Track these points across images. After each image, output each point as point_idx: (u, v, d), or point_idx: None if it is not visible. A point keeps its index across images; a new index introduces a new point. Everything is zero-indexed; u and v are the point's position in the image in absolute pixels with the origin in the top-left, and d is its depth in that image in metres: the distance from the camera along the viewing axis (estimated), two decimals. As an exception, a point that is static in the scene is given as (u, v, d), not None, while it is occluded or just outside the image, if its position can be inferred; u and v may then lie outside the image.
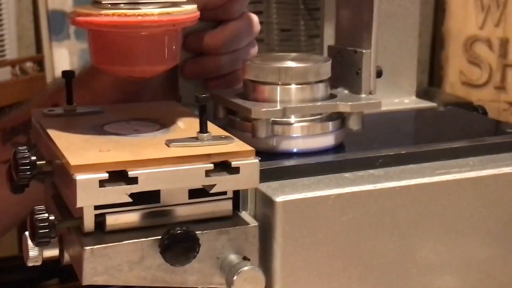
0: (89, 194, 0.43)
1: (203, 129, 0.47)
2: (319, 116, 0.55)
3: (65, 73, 0.56)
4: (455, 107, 0.72)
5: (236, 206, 0.49)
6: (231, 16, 0.63)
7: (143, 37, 0.50)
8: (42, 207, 0.45)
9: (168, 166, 0.45)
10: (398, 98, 0.72)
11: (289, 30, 1.30)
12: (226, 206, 0.48)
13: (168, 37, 0.51)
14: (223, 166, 0.46)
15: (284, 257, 0.48)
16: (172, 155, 0.45)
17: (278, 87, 0.54)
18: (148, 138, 0.49)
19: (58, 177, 0.49)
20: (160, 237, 0.44)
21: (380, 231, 0.50)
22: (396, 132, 0.66)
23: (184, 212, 0.47)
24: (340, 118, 0.56)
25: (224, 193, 0.48)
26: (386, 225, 0.50)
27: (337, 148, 0.56)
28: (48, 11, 1.96)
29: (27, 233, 0.47)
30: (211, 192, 0.46)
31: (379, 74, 0.59)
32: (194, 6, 0.51)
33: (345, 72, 0.59)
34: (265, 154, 0.51)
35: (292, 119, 0.54)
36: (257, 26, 0.66)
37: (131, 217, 0.46)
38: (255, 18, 0.66)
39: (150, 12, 0.48)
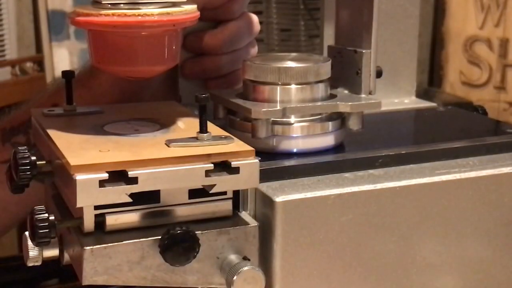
0: (89, 194, 0.43)
1: (203, 129, 0.47)
2: (319, 116, 0.55)
3: (65, 73, 0.56)
4: (455, 107, 0.72)
5: (236, 206, 0.49)
6: (231, 16, 0.63)
7: (143, 37, 0.50)
8: (42, 207, 0.45)
9: (168, 166, 0.45)
10: (398, 98, 0.72)
11: (289, 30, 1.30)
12: (226, 206, 0.48)
13: (168, 37, 0.51)
14: (223, 166, 0.46)
15: (284, 257, 0.48)
16: (172, 155, 0.45)
17: (278, 87, 0.54)
18: (148, 138, 0.49)
19: (58, 177, 0.49)
20: (160, 237, 0.44)
21: (380, 231, 0.50)
22: (396, 132, 0.66)
23: (184, 212, 0.47)
24: (340, 118, 0.56)
25: (224, 193, 0.48)
26: (386, 225, 0.50)
27: (337, 148, 0.56)
28: (48, 11, 1.96)
29: (27, 233, 0.47)
30: (211, 192, 0.46)
31: (379, 74, 0.59)
32: (194, 6, 0.51)
33: (345, 72, 0.58)
34: (265, 154, 0.51)
35: (292, 119, 0.54)
36: (257, 26, 0.66)
37: (131, 217, 0.46)
38: (255, 18, 0.66)
39: (150, 12, 0.48)
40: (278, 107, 0.53)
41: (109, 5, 0.48)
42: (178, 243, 0.44)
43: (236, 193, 0.48)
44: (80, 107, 0.56)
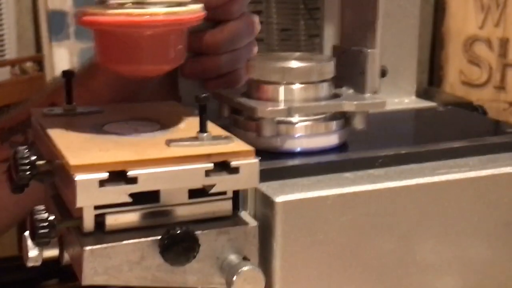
0: (89, 194, 0.43)
1: (203, 129, 0.47)
2: (322, 116, 0.55)
3: (65, 73, 0.56)
4: (455, 107, 0.72)
5: (236, 206, 0.49)
6: (230, 16, 0.63)
7: (150, 36, 0.50)
8: (42, 207, 0.45)
9: (168, 166, 0.44)
10: (398, 98, 0.72)
11: (289, 30, 1.30)
12: (226, 206, 0.48)
13: (174, 36, 0.51)
14: (223, 166, 0.46)
15: (284, 257, 0.48)
16: (172, 155, 0.45)
17: (282, 87, 0.54)
18: (148, 138, 0.49)
19: (58, 177, 0.49)
20: (160, 237, 0.44)
21: (380, 231, 0.50)
22: (396, 132, 0.66)
23: (184, 212, 0.47)
24: (344, 117, 0.56)
25: (224, 193, 0.48)
26: (386, 225, 0.50)
27: (341, 147, 0.56)
28: (48, 11, 1.96)
29: (27, 233, 0.47)
30: (210, 192, 0.46)
31: (383, 73, 0.59)
32: (200, 6, 0.51)
33: (349, 72, 0.58)
34: (269, 153, 0.51)
35: (296, 118, 0.54)
36: (257, 26, 0.66)
37: (131, 217, 0.46)
38: (255, 18, 0.66)
39: (157, 11, 0.48)
40: (284, 106, 0.53)
41: (116, 5, 0.48)
42: (178, 243, 0.44)
43: (236, 193, 0.48)
44: (80, 107, 0.56)
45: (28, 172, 0.48)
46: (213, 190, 0.46)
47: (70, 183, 0.43)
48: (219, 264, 0.47)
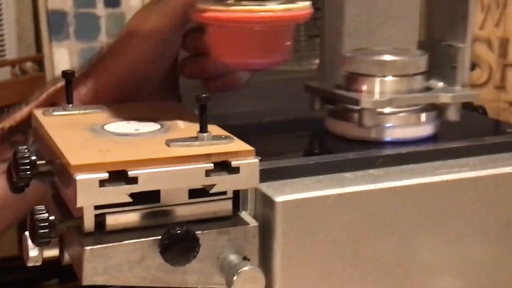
0: (89, 194, 0.43)
1: (203, 128, 0.48)
2: (417, 107, 0.58)
3: (65, 73, 0.56)
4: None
5: (236, 206, 0.49)
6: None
7: (266, 31, 0.53)
8: (42, 207, 0.45)
9: (168, 166, 0.45)
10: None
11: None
12: (226, 206, 0.48)
13: (287, 31, 0.54)
14: (223, 165, 0.46)
15: (284, 257, 0.48)
16: (172, 155, 0.45)
17: (379, 79, 0.57)
18: (148, 138, 0.49)
19: (58, 177, 0.49)
20: (160, 237, 0.44)
21: (380, 231, 0.50)
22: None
23: (184, 212, 0.47)
24: (436, 109, 0.58)
25: (224, 193, 0.48)
26: (386, 225, 0.50)
27: (434, 137, 0.59)
28: (48, 11, 1.96)
29: (27, 233, 0.47)
30: (211, 192, 0.46)
31: (472, 66, 0.62)
32: (308, 3, 0.53)
33: (439, 65, 0.61)
34: (368, 143, 0.56)
35: (391, 109, 0.57)
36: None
37: (131, 217, 0.46)
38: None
39: (275, 8, 0.51)
40: (386, 97, 0.56)
41: (234, 1, 0.51)
42: (178, 243, 0.44)
43: (236, 193, 0.48)
44: (80, 106, 0.56)
45: (28, 172, 0.48)
46: (213, 190, 0.46)
47: (71, 183, 0.43)
48: (219, 264, 0.47)
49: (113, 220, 0.45)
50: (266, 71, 0.58)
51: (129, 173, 0.44)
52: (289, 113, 0.66)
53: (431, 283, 0.52)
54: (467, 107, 0.74)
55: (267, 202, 0.48)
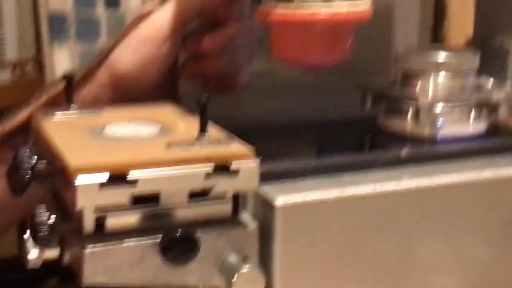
0: (89, 195, 0.43)
1: (203, 131, 0.48)
2: (469, 105, 0.59)
3: (65, 75, 0.56)
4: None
5: (236, 208, 0.49)
6: (230, 18, 0.63)
7: (329, 30, 0.54)
8: (43, 208, 0.45)
9: (168, 168, 0.45)
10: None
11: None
12: (226, 208, 0.48)
13: (350, 30, 0.56)
14: (223, 168, 0.46)
15: (284, 258, 0.48)
16: (172, 157, 0.45)
17: (433, 77, 0.58)
18: (148, 139, 0.49)
19: (58, 179, 0.49)
20: (160, 239, 0.45)
21: (380, 233, 0.50)
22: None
23: (184, 214, 0.47)
24: (488, 107, 0.59)
25: (224, 195, 0.48)
26: (386, 226, 0.50)
27: (487, 134, 0.60)
28: (49, 12, 1.96)
29: (25, 236, 0.47)
30: (210, 194, 0.46)
31: None
32: (368, 1, 0.55)
33: (488, 64, 0.62)
34: (424, 140, 0.57)
35: (444, 107, 0.58)
36: (257, 28, 0.66)
37: (131, 219, 0.46)
38: (255, 19, 0.66)
39: (341, 8, 0.53)
40: (444, 95, 0.57)
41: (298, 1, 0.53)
42: (178, 245, 0.44)
43: (236, 195, 0.48)
44: (80, 108, 0.56)
45: (28, 175, 0.48)
46: (212, 193, 0.46)
47: (71, 185, 0.43)
48: (219, 264, 0.47)
49: (113, 222, 0.45)
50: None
51: (129, 175, 0.44)
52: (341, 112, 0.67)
53: (431, 283, 0.52)
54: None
55: (267, 204, 0.48)
